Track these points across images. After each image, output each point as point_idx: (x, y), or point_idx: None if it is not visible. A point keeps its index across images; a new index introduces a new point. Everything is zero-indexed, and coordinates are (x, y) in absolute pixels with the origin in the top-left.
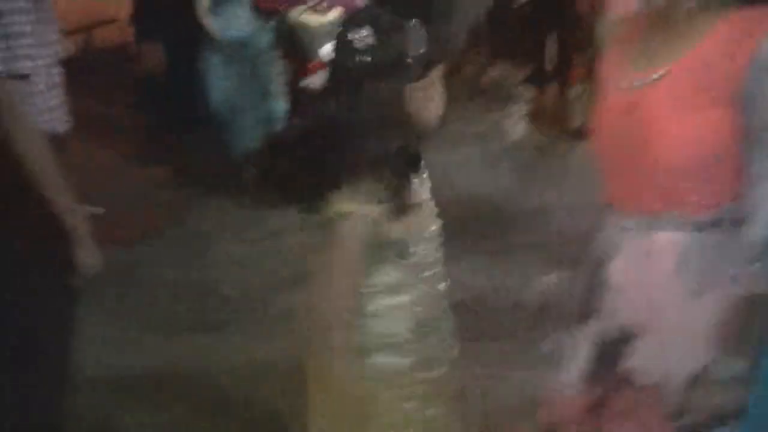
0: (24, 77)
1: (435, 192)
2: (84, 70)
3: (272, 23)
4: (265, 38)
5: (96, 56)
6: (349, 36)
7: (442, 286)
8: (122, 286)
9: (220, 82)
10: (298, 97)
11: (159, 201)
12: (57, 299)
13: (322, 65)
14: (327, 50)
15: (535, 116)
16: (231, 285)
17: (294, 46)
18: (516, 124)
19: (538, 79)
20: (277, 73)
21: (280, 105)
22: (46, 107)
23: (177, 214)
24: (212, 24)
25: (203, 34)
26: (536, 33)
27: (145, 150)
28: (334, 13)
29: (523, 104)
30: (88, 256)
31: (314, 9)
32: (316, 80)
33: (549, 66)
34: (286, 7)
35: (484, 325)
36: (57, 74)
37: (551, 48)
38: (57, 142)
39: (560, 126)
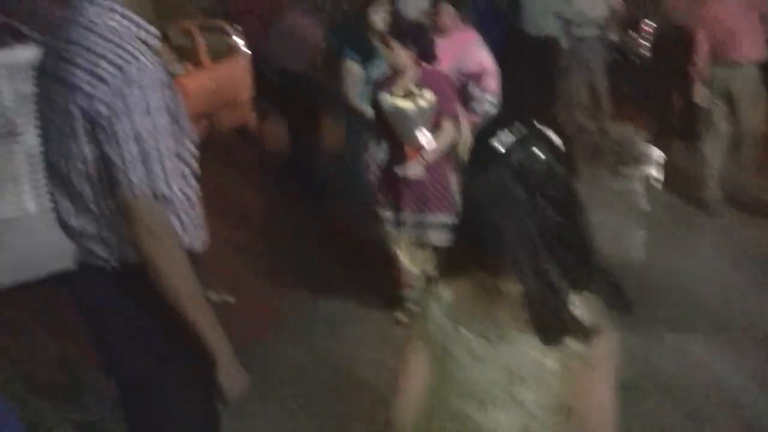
0: (167, 198)
1: None
2: (208, 156)
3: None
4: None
5: (218, 141)
6: (496, 143)
7: None
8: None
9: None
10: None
11: (284, 286)
12: (207, 419)
13: (417, 152)
14: (426, 138)
15: (668, 179)
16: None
17: (389, 129)
18: (644, 188)
19: (664, 137)
20: None
21: None
22: (188, 227)
23: (303, 300)
24: (364, 107)
25: (352, 116)
26: (660, 87)
27: (266, 233)
28: (429, 97)
29: (650, 166)
30: (233, 380)
31: (405, 93)
32: (416, 169)
33: (676, 123)
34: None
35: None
36: (196, 191)
37: (677, 103)
38: (196, 259)
39: (696, 191)
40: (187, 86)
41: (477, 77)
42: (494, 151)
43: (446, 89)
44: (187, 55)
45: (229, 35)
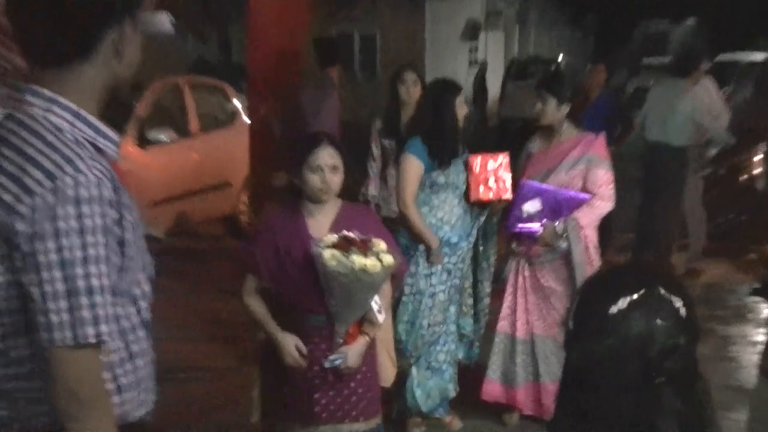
0: (98, 347)
1: None
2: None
3: (479, 221)
4: (466, 242)
5: (197, 235)
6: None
7: None
8: None
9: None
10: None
11: None
12: None
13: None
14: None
15: None
16: None
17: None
18: (746, 356)
19: None
20: (469, 283)
21: (469, 322)
22: (125, 388)
23: None
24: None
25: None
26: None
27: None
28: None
29: (755, 326)
30: None
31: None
32: (353, 356)
33: None
34: (500, 200)
35: None
36: (143, 341)
37: None
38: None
39: None
40: (163, 159)
41: (573, 202)
42: (606, 314)
43: (381, 232)
44: (172, 118)
45: (229, 99)
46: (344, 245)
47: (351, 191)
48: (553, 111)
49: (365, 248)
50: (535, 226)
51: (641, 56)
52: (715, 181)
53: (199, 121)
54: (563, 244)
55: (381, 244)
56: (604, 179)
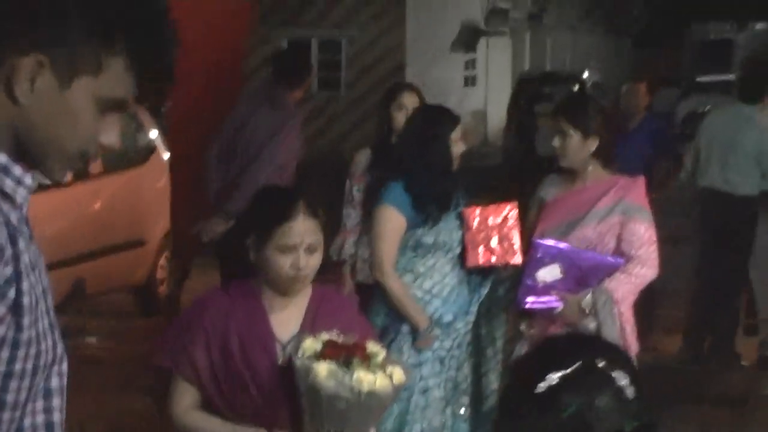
0: None
1: None
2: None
3: (480, 293)
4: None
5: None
6: None
7: None
8: None
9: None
10: None
11: None
12: None
13: None
14: None
15: None
16: None
17: None
18: None
19: None
20: (466, 376)
21: (464, 429)
22: None
23: None
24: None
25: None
26: None
27: None
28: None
29: None
30: None
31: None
32: None
33: None
34: (506, 266)
35: None
36: None
37: None
38: None
39: None
40: (51, 209)
41: (604, 268)
42: (534, 392)
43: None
44: None
45: (142, 127)
46: (333, 353)
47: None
48: (577, 147)
49: (364, 358)
50: (554, 300)
51: (696, 72)
52: None
53: (102, 158)
54: (591, 324)
55: (378, 349)
56: (644, 237)
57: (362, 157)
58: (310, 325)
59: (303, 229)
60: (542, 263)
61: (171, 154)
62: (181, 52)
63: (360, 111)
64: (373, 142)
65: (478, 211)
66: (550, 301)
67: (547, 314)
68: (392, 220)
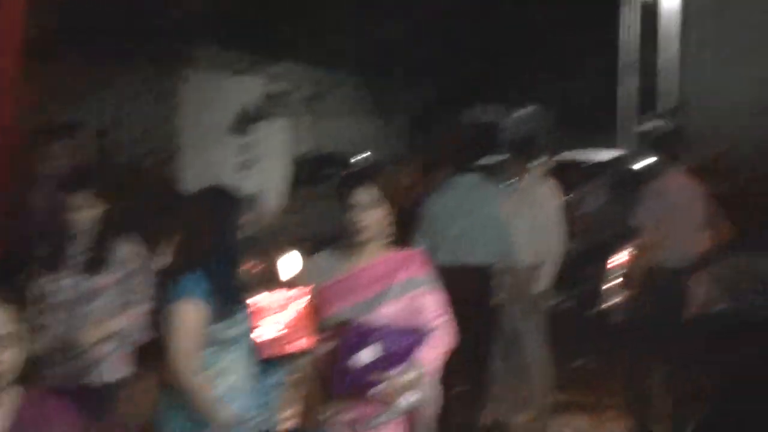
0: None
1: None
2: None
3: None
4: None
5: None
6: None
7: None
8: None
9: None
10: None
11: None
12: None
13: None
14: None
15: None
16: None
17: None
18: None
19: None
20: None
21: None
22: None
23: None
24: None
25: None
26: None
27: None
28: None
29: None
30: None
31: None
32: None
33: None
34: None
35: None
36: None
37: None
38: None
39: None
40: None
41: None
42: None
43: None
44: None
45: None
46: None
47: None
48: (381, 219)
49: None
50: (374, 381)
51: (467, 153)
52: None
53: None
54: (410, 399)
55: None
56: (438, 306)
57: None
58: None
59: None
60: (357, 345)
61: None
62: None
63: None
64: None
65: (265, 294)
66: (370, 381)
67: (365, 396)
68: (192, 315)
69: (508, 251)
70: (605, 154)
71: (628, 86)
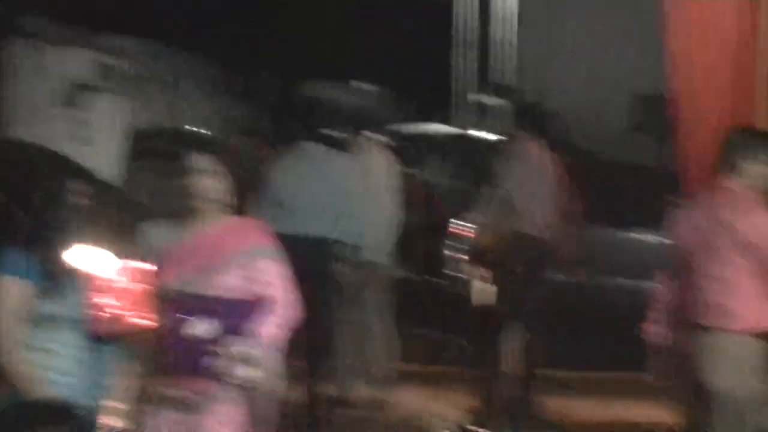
0: None
1: None
2: None
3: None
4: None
5: None
6: None
7: None
8: None
9: None
10: None
11: None
12: None
13: None
14: None
15: None
16: None
17: None
18: None
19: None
20: None
21: None
22: None
23: None
24: None
25: None
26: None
27: None
28: None
29: None
30: None
31: None
32: None
33: None
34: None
35: None
36: None
37: None
38: None
39: None
40: None
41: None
42: None
43: None
44: None
45: None
46: None
47: None
48: (218, 188)
49: None
50: (207, 354)
51: (312, 125)
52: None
53: None
54: (246, 372)
55: None
56: (278, 277)
57: None
58: None
59: None
60: (192, 317)
61: None
62: None
63: None
64: None
65: (101, 272)
66: (205, 356)
67: (200, 370)
68: (12, 291)
69: (348, 223)
70: (442, 128)
71: (465, 61)
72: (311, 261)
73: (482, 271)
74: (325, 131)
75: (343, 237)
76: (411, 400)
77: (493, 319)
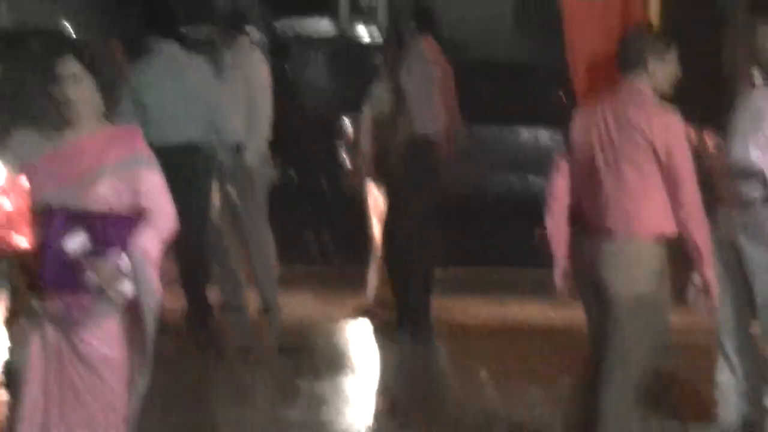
0: None
1: None
2: None
3: None
4: None
5: None
6: None
7: None
8: None
9: None
10: None
11: None
12: None
13: None
14: None
15: None
16: None
17: None
18: None
19: None
20: None
21: None
22: None
23: None
24: None
25: None
26: None
27: None
28: None
29: None
30: None
31: None
32: None
33: None
34: None
35: None
36: None
37: None
38: None
39: None
40: None
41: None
42: None
43: None
44: None
45: None
46: None
47: None
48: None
49: None
50: (86, 268)
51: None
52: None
53: None
54: (126, 286)
55: None
56: (158, 187)
57: None
58: None
59: None
60: (65, 230)
61: None
62: None
63: None
64: None
65: None
66: (79, 270)
67: (75, 286)
68: None
69: (218, 126)
70: (322, 24)
71: None
72: (183, 167)
73: (371, 171)
74: (197, 28)
75: (215, 140)
76: (298, 302)
77: (387, 219)
